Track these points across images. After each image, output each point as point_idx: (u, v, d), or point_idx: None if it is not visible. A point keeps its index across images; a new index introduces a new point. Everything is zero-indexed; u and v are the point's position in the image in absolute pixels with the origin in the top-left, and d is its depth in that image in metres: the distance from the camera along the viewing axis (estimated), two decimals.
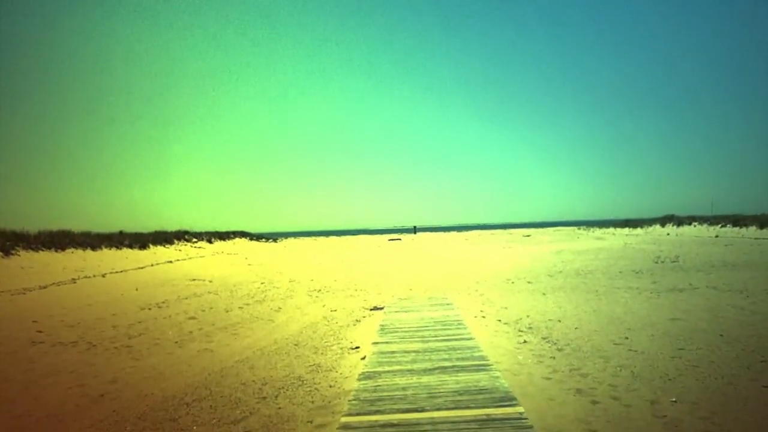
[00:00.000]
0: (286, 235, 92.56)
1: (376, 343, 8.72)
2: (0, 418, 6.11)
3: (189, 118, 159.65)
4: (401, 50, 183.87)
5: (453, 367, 6.95)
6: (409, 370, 6.89)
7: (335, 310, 13.26)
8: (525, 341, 9.11)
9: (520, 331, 10.01)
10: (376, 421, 5.08)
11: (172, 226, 41.62)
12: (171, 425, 5.79)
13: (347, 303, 14.47)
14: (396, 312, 11.77)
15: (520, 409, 5.22)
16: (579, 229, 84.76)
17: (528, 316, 11.38)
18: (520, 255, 31.42)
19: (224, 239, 47.64)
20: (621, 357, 7.86)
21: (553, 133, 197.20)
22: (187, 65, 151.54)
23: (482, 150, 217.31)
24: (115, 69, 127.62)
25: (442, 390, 5.96)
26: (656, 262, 22.87)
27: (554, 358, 7.94)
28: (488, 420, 4.95)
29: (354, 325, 11.33)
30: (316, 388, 6.91)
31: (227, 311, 13.55)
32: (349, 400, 5.82)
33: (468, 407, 5.32)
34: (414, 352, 7.90)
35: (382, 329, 9.86)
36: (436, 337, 8.90)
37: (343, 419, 5.20)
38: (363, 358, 7.98)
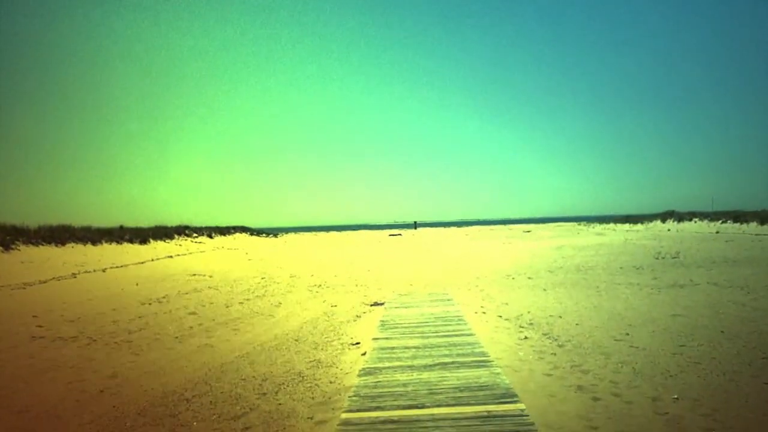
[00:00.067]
0: (287, 230, 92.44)
1: (377, 338, 8.70)
2: (0, 414, 6.10)
3: (190, 114, 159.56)
4: (402, 47, 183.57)
5: (453, 363, 6.93)
6: (409, 366, 6.87)
7: (335, 306, 13.25)
8: (526, 337, 9.09)
9: (520, 327, 9.99)
10: (376, 417, 5.07)
11: (172, 221, 41.75)
12: (171, 421, 5.78)
13: (347, 298, 14.45)
14: (396, 308, 11.75)
15: (521, 405, 5.20)
16: (579, 224, 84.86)
17: (529, 312, 11.36)
18: (521, 251, 31.40)
19: (224, 234, 47.68)
20: (622, 353, 7.85)
21: (554, 130, 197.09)
22: (187, 62, 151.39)
23: (483, 146, 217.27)
24: (115, 66, 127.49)
25: (442, 386, 5.94)
26: (657, 258, 22.86)
27: (555, 354, 7.92)
28: (489, 417, 4.93)
29: (354, 320, 11.31)
30: (316, 384, 6.89)
31: (227, 306, 13.54)
32: (349, 397, 5.80)
33: (469, 404, 5.31)
34: (414, 348, 7.89)
35: (383, 325, 9.85)
36: (436, 332, 8.89)
37: (344, 415, 5.18)
38: (363, 354, 7.97)
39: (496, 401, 5.33)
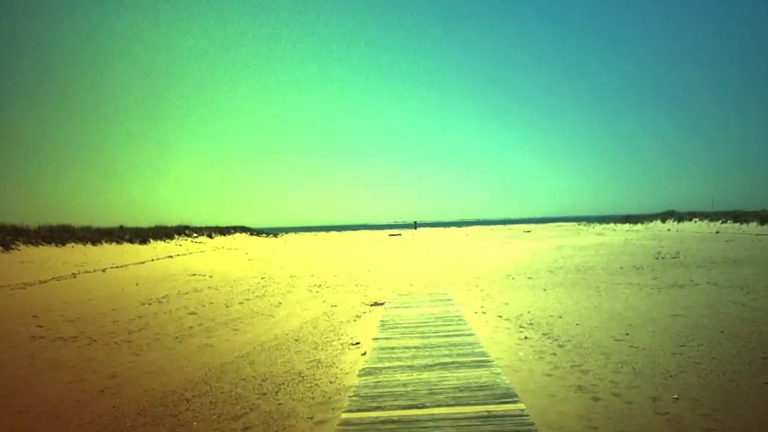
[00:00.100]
0: (287, 230, 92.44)
1: (377, 338, 8.70)
2: (0, 414, 6.10)
3: (190, 114, 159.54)
4: (402, 47, 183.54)
5: (453, 363, 6.93)
6: (409, 366, 6.87)
7: (335, 306, 13.24)
8: (526, 337, 9.09)
9: (520, 327, 9.99)
10: (376, 417, 5.06)
11: (172, 221, 41.75)
12: (171, 421, 5.78)
13: (347, 298, 14.45)
14: (396, 307, 11.75)
15: (521, 405, 5.20)
16: (579, 224, 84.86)
17: (529, 312, 11.36)
18: (521, 251, 31.40)
19: (224, 234, 47.69)
20: (622, 353, 7.85)
21: (554, 129, 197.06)
22: (187, 62, 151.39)
23: (483, 146, 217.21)
24: (115, 66, 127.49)
25: (442, 386, 5.94)
26: (657, 258, 22.86)
27: (555, 354, 7.92)
28: (489, 417, 4.93)
29: (354, 320, 11.31)
30: (316, 384, 6.89)
31: (227, 306, 13.54)
32: (349, 397, 5.80)
33: (469, 404, 5.30)
34: (414, 348, 7.88)
35: (383, 325, 9.84)
36: (436, 332, 8.89)
37: (344, 415, 5.18)
38: (363, 354, 7.96)
39: (496, 401, 5.32)
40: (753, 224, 41.51)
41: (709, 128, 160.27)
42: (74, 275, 19.77)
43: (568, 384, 6.47)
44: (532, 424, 4.76)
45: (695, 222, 51.64)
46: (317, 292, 16.05)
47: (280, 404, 6.16)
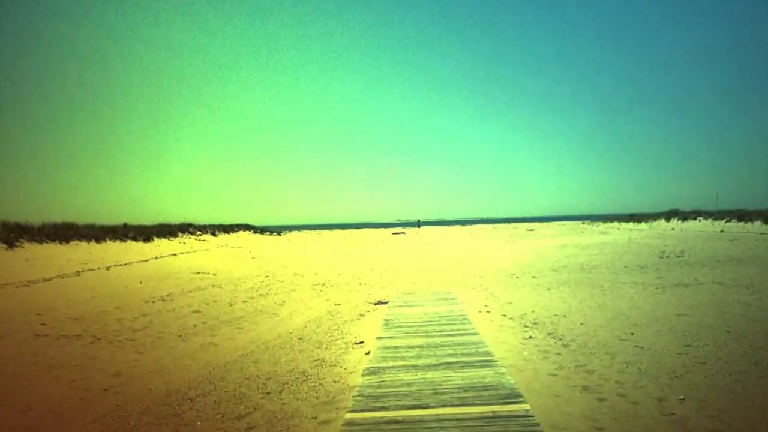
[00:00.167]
0: (290, 228, 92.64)
1: (381, 337, 8.68)
2: (3, 413, 6.10)
3: (194, 112, 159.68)
4: (406, 46, 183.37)
5: (458, 362, 6.90)
6: (413, 366, 6.85)
7: (339, 304, 13.23)
8: (530, 337, 9.06)
9: (525, 326, 9.96)
10: (380, 417, 5.04)
11: (176, 219, 41.72)
12: (175, 420, 5.77)
13: (351, 297, 14.44)
14: (400, 306, 11.73)
15: (526, 406, 5.18)
16: (583, 223, 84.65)
17: (533, 312, 11.32)
18: (524, 249, 31.35)
19: (228, 232, 47.72)
20: (627, 353, 7.81)
21: (558, 128, 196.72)
22: (190, 61, 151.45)
23: (486, 144, 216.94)
24: (118, 65, 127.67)
25: (447, 386, 5.91)
26: (661, 257, 22.78)
27: (560, 354, 7.89)
28: (494, 417, 4.91)
29: (358, 319, 11.29)
30: (320, 384, 6.88)
31: (231, 305, 13.54)
32: (353, 396, 5.78)
33: (473, 404, 5.28)
34: (418, 347, 7.86)
35: (387, 324, 9.82)
36: (440, 332, 8.86)
37: (348, 415, 5.16)
38: (367, 353, 7.94)
39: (501, 401, 5.30)
40: (757, 223, 41.33)
41: (713, 127, 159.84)
42: (78, 273, 19.79)
43: (573, 384, 6.44)
44: (538, 424, 4.73)
45: (699, 221, 51.44)
46: (321, 290, 16.04)
47: (284, 404, 6.15)
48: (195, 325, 10.99)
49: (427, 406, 5.29)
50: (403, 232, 73.32)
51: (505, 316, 10.97)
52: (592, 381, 6.55)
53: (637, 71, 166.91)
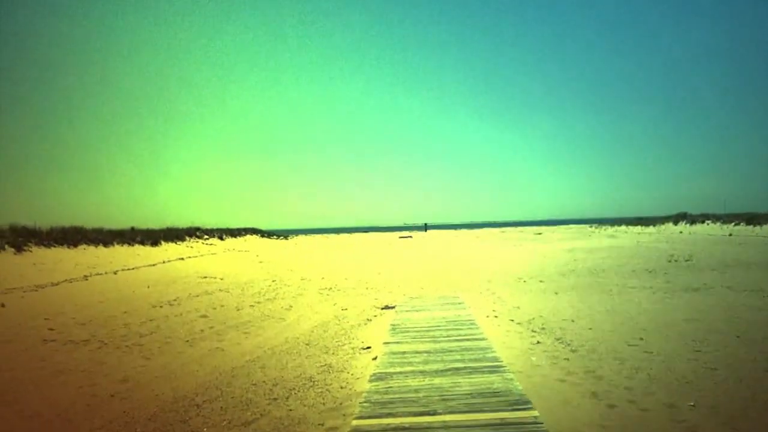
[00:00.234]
0: (297, 232, 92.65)
1: (388, 343, 8.64)
2: (10, 419, 6.10)
3: (201, 115, 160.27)
4: (413, 47, 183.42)
5: (466, 368, 6.85)
6: (421, 372, 6.81)
7: (346, 309, 13.21)
8: (538, 342, 9.01)
9: (533, 331, 9.90)
10: (387, 424, 5.00)
11: (183, 223, 41.76)
12: (181, 427, 5.75)
13: (358, 302, 14.42)
14: (407, 311, 11.69)
15: (535, 412, 5.12)
16: (591, 227, 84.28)
17: (541, 316, 11.26)
18: (532, 253, 31.25)
19: (235, 236, 47.75)
20: (636, 359, 7.74)
21: (565, 131, 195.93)
22: (197, 63, 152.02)
23: (493, 147, 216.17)
24: (126, 67, 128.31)
25: (454, 392, 5.86)
26: (670, 261, 22.64)
27: (568, 359, 7.83)
28: (502, 424, 4.85)
29: (365, 324, 11.27)
30: (327, 390, 6.85)
31: (238, 309, 13.54)
32: (360, 403, 5.74)
33: (482, 410, 5.23)
34: (426, 352, 7.82)
35: (394, 329, 9.79)
36: (448, 337, 8.81)
37: (354, 422, 5.12)
38: (374, 359, 7.91)
39: (510, 408, 5.24)
40: (766, 227, 41.06)
41: (721, 129, 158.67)
42: (86, 277, 19.85)
43: (582, 390, 6.38)
44: None
45: (707, 224, 51.19)
46: (328, 295, 16.03)
47: (290, 410, 6.12)
48: (202, 330, 10.99)
49: (434, 413, 5.24)
50: (410, 236, 73.23)
51: (512, 320, 10.92)
52: (601, 387, 6.49)
53: (645, 73, 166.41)
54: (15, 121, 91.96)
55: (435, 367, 7.00)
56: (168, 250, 32.52)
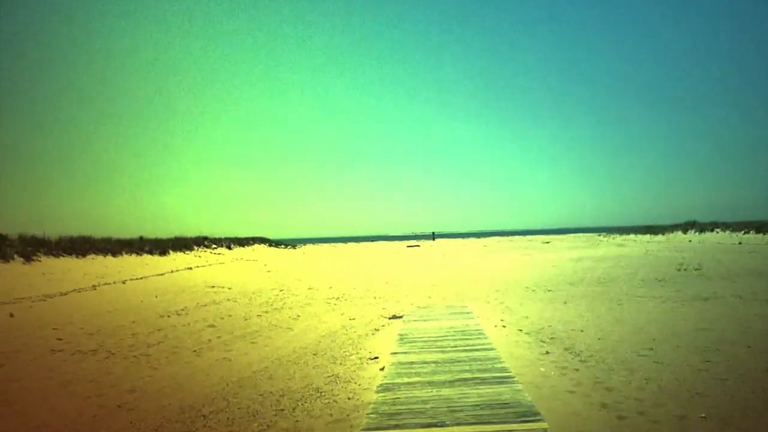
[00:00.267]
0: (305, 241, 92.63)
1: (395, 353, 8.59)
2: (18, 429, 6.10)
3: (208, 124, 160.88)
4: (419, 56, 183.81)
5: (474, 379, 6.80)
6: (428, 382, 6.76)
7: (354, 319, 13.18)
8: (547, 352, 8.94)
9: (541, 341, 9.84)
10: None
11: (191, 232, 41.89)
12: None
13: (366, 311, 14.38)
14: (415, 321, 11.64)
15: (544, 424, 5.06)
16: (599, 235, 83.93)
17: (549, 326, 11.19)
18: (540, 262, 31.12)
19: (243, 245, 47.83)
20: (646, 369, 7.67)
21: (573, 139, 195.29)
22: (204, 72, 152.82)
23: (501, 156, 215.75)
24: (134, 75, 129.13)
25: (463, 403, 5.81)
26: (679, 270, 22.47)
27: (578, 370, 7.76)
28: None
29: (372, 334, 11.24)
30: (334, 400, 6.82)
31: (246, 319, 13.53)
32: (367, 414, 5.69)
33: (490, 422, 5.18)
34: (433, 362, 7.77)
35: (401, 339, 9.74)
36: (455, 347, 8.76)
37: None
38: (382, 369, 7.87)
39: (519, 420, 5.19)
40: None
41: (731, 136, 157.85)
42: (94, 287, 19.91)
43: (592, 402, 6.32)
44: None
45: (717, 232, 50.82)
46: (335, 304, 16.01)
47: (297, 421, 6.09)
48: (209, 340, 10.99)
49: (443, 425, 5.20)
50: (418, 245, 73.09)
51: (521, 330, 10.86)
52: (611, 398, 6.42)
53: (653, 79, 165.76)
54: (21, 128, 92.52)
55: (443, 377, 6.95)
56: (176, 259, 32.61)
